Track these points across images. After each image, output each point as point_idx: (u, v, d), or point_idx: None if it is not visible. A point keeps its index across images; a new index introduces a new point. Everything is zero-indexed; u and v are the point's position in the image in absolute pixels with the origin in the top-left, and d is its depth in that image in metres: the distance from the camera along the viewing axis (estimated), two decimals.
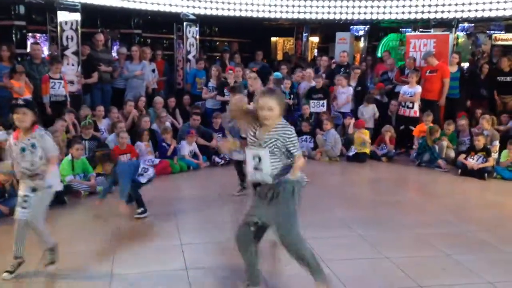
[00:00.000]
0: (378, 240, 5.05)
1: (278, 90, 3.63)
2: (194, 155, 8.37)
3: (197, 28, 11.03)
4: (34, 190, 3.99)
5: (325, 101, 9.70)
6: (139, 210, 5.67)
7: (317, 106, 9.74)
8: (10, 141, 4.10)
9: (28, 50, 9.29)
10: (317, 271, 3.61)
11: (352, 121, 9.41)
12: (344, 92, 9.75)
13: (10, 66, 7.88)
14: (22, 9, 9.23)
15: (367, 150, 8.95)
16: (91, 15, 10.14)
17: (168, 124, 8.81)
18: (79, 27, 9.03)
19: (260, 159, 3.40)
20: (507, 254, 4.78)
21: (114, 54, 10.51)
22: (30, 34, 10.13)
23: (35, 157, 3.99)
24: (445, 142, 8.57)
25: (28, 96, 7.68)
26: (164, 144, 8.21)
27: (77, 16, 9.00)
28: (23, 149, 3.98)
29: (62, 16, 8.86)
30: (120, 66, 9.55)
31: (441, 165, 8.32)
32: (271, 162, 3.40)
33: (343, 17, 11.81)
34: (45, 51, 9.84)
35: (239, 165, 6.43)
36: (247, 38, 14.20)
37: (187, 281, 4.08)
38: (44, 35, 10.24)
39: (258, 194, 3.59)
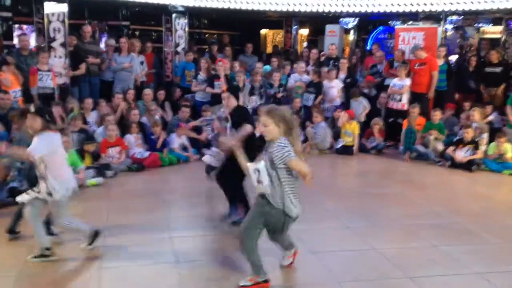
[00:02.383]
0: (366, 232, 5.09)
1: (279, 109, 3.68)
2: (184, 148, 8.35)
3: (186, 20, 10.96)
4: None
5: (313, 96, 9.73)
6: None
7: (307, 100, 9.78)
8: None
9: (15, 41, 9.17)
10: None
11: (342, 113, 9.44)
12: (333, 86, 9.76)
13: None
14: (8, 0, 9.10)
15: (354, 142, 9.01)
16: (78, 6, 10.02)
17: (157, 117, 8.77)
18: (66, 19, 8.93)
19: (259, 172, 3.58)
20: (495, 245, 4.84)
21: (102, 46, 10.41)
22: (16, 25, 9.99)
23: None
24: (432, 136, 8.62)
25: (17, 88, 7.59)
26: (153, 137, 8.18)
27: (64, 8, 8.90)
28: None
29: (49, 8, 8.76)
30: (108, 58, 9.46)
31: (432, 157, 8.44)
32: (276, 184, 3.59)
33: (332, 9, 11.79)
34: (32, 43, 9.71)
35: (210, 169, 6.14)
36: (236, 31, 14.14)
37: (177, 274, 4.09)
38: (30, 26, 10.11)
39: (258, 203, 3.74)
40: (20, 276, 4.02)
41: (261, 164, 3.59)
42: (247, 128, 4.91)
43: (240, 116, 5.06)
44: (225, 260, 4.45)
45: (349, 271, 4.19)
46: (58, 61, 8.75)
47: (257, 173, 3.60)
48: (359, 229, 5.18)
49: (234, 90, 5.40)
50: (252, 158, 4.92)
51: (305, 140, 9.22)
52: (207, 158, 5.87)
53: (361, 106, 9.72)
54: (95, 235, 4.45)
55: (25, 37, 8.55)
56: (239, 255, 4.49)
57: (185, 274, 4.09)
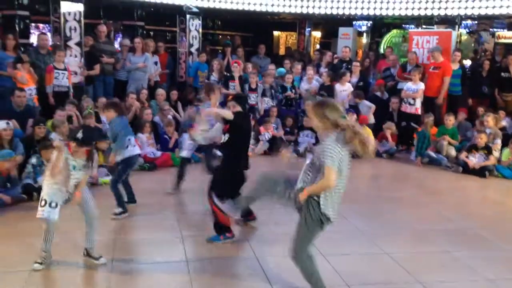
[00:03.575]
0: (377, 236, 5.08)
1: (321, 101, 3.58)
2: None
3: (200, 21, 11.02)
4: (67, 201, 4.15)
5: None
6: (118, 211, 5.48)
7: None
8: (65, 153, 4.04)
9: (31, 40, 9.29)
10: None
11: (354, 116, 9.41)
12: (345, 89, 9.74)
13: (14, 56, 7.88)
14: None
15: None
16: (94, 6, 10.13)
17: (170, 117, 8.82)
18: (82, 18, 9.04)
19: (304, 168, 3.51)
20: (507, 252, 4.80)
21: (116, 45, 10.51)
22: (33, 24, 10.12)
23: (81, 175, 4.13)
24: (445, 142, 8.57)
25: (32, 86, 7.69)
26: (165, 136, 8.24)
27: (80, 7, 9.02)
28: (73, 167, 4.06)
29: (66, 7, 8.88)
30: (123, 58, 9.54)
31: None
32: (307, 176, 3.45)
33: (346, 12, 11.79)
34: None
35: (184, 164, 6.55)
36: (250, 32, 14.18)
37: (187, 273, 4.11)
38: (47, 25, 10.23)
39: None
40: (32, 271, 4.06)
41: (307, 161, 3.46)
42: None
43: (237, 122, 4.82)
44: (235, 259, 4.47)
45: (359, 274, 4.18)
46: (73, 60, 8.86)
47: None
48: (370, 232, 5.17)
49: (242, 100, 5.16)
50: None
51: (317, 142, 9.23)
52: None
53: (365, 108, 9.67)
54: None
55: (44, 36, 8.65)
56: (249, 255, 4.53)
57: (196, 273, 4.11)
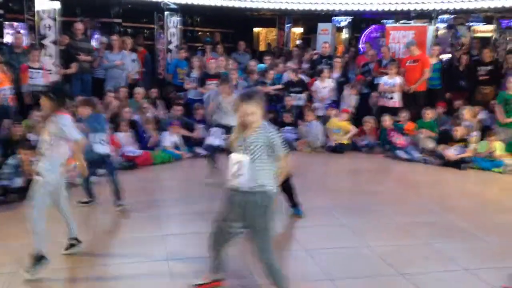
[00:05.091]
0: (359, 229, 5.12)
1: (255, 92, 3.50)
2: (177, 146, 8.33)
3: (178, 18, 10.94)
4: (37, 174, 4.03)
5: (302, 94, 9.74)
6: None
7: (296, 99, 9.78)
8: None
9: (5, 39, 9.11)
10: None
11: (334, 111, 9.46)
12: (326, 86, 9.76)
13: None
14: None
15: (345, 141, 9.05)
16: (70, 3, 9.97)
17: (149, 114, 8.74)
18: (57, 16, 8.88)
19: (240, 165, 3.32)
20: (486, 242, 4.88)
21: (93, 43, 10.36)
22: (7, 22, 9.91)
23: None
24: (422, 135, 8.67)
25: (6, 86, 7.53)
26: (145, 135, 8.15)
27: (55, 5, 8.86)
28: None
29: (40, 5, 8.71)
30: (100, 56, 9.41)
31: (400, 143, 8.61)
32: (255, 168, 3.32)
33: (325, 7, 11.83)
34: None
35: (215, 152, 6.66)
36: (230, 29, 14.11)
37: (168, 272, 4.09)
38: (21, 23, 10.03)
39: (230, 200, 3.48)
40: (13, 273, 3.98)
41: (245, 157, 3.30)
42: None
43: None
44: None
45: (342, 269, 4.21)
46: (49, 59, 8.70)
47: (236, 166, 3.33)
48: (352, 226, 5.20)
49: None
50: None
51: (298, 138, 9.25)
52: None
53: (353, 99, 9.74)
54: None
55: (18, 34, 8.50)
56: (233, 253, 4.51)
57: (177, 272, 4.08)
